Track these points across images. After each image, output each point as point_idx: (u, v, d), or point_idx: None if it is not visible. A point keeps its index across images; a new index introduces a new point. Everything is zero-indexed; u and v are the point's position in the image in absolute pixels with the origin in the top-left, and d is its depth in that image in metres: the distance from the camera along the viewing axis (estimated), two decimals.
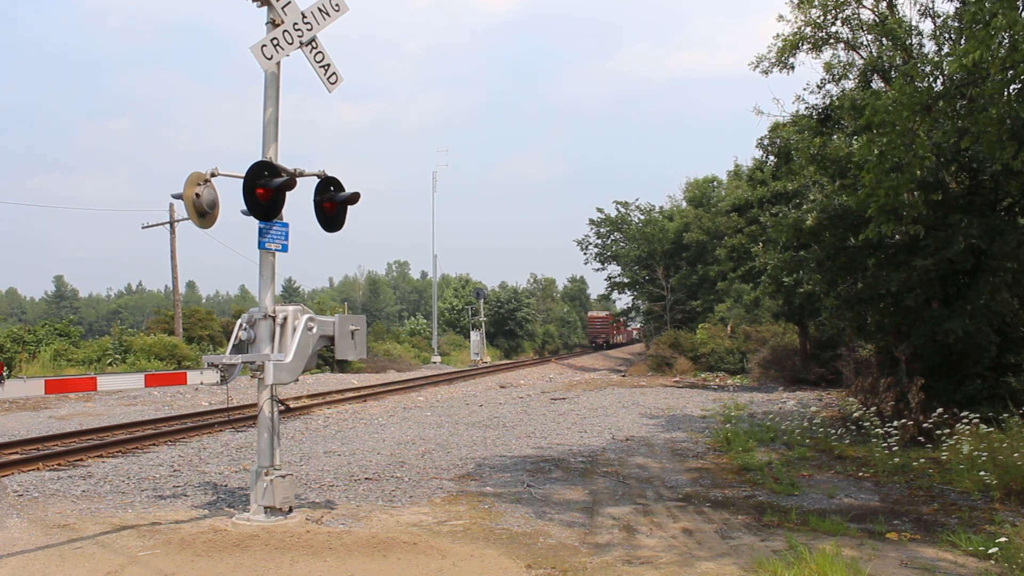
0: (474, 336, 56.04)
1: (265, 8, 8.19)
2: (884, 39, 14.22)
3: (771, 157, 20.25)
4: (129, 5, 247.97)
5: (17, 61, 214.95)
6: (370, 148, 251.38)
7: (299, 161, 8.39)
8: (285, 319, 7.99)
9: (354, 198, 8.59)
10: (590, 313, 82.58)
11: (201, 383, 7.78)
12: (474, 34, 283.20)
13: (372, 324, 70.91)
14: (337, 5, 8.53)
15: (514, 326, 73.57)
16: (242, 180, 7.83)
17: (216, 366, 7.91)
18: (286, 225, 8.22)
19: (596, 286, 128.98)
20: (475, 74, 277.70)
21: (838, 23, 14.59)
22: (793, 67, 15.03)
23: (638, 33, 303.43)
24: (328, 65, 8.53)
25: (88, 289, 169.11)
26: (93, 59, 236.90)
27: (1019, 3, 8.49)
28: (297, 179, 8.20)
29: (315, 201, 8.53)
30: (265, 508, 7.81)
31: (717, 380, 32.02)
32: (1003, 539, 6.47)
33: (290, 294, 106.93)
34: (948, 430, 10.81)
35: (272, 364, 7.63)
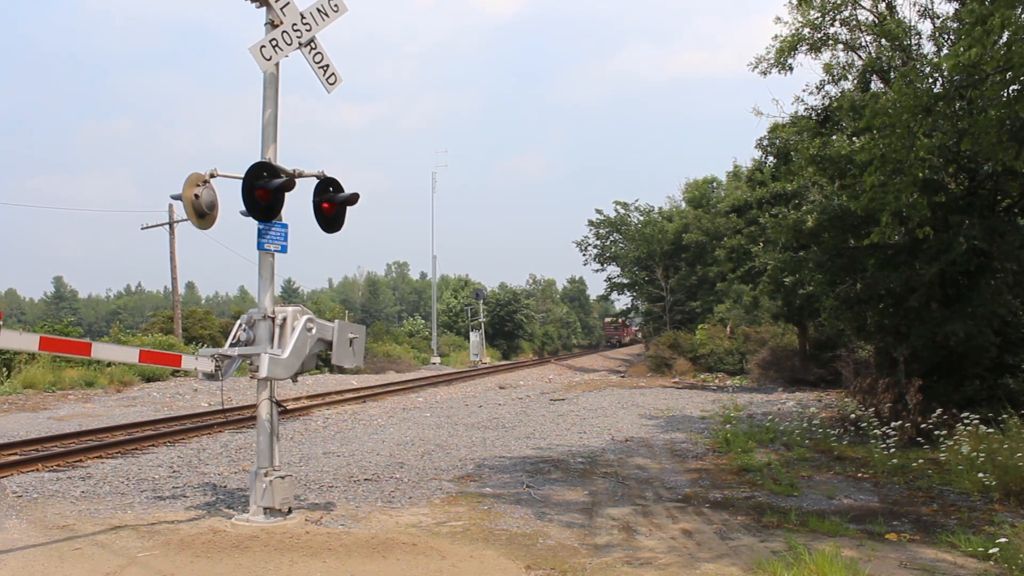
0: (473, 337, 55.99)
1: (264, 9, 8.19)
2: (883, 40, 14.22)
3: (770, 158, 20.24)
4: (130, 6, 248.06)
5: (18, 62, 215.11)
6: (371, 149, 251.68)
7: (300, 162, 8.41)
8: (284, 320, 7.99)
9: (353, 199, 8.59)
10: (606, 319, 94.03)
11: (196, 368, 7.75)
12: (475, 35, 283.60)
13: (371, 325, 70.95)
14: (336, 6, 8.53)
15: (513, 327, 73.57)
16: (241, 181, 7.84)
17: (213, 357, 7.89)
18: (285, 226, 8.23)
19: (595, 287, 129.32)
20: (476, 75, 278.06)
21: (836, 24, 14.58)
22: (792, 68, 15.03)
23: (638, 34, 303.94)
24: (327, 66, 8.54)
25: (87, 290, 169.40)
26: (94, 60, 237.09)
27: (1017, 3, 8.49)
28: (296, 180, 8.21)
29: (314, 202, 8.54)
30: (264, 509, 7.81)
31: (716, 381, 32.01)
32: (1003, 540, 6.47)
33: (289, 295, 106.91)
34: (947, 431, 10.82)
35: (268, 357, 7.61)
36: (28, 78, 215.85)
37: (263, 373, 7.58)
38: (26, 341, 6.51)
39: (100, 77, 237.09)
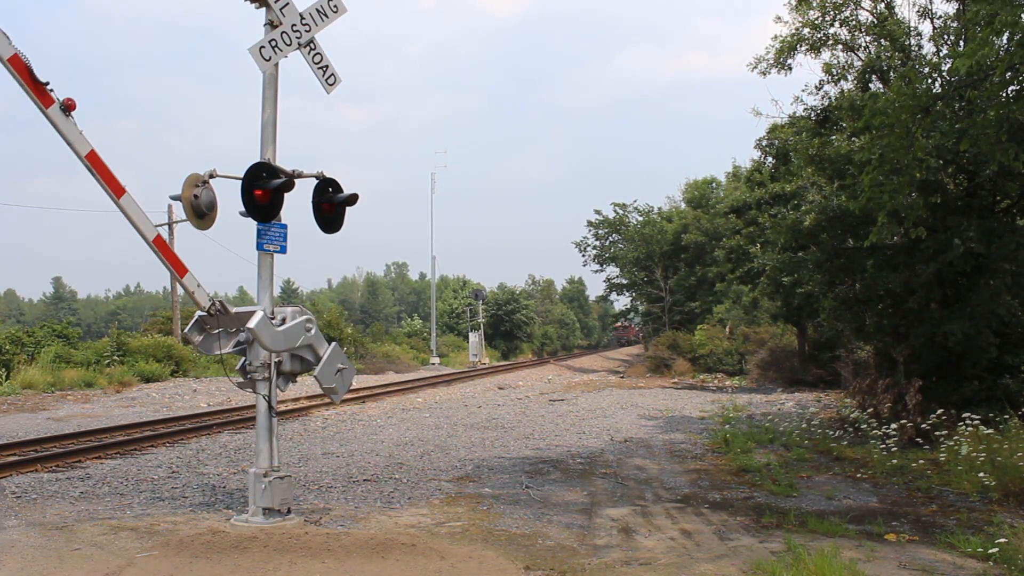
0: (472, 337, 56.01)
1: (263, 9, 8.20)
2: (882, 40, 14.23)
3: (769, 158, 20.27)
4: (132, 8, 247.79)
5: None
6: (372, 149, 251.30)
7: (303, 163, 8.41)
8: (284, 320, 7.99)
9: (352, 199, 8.59)
10: (616, 324, 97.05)
11: (193, 296, 7.76)
12: (477, 37, 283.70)
13: (371, 325, 70.93)
14: (335, 6, 8.54)
15: (512, 327, 73.55)
16: (240, 181, 7.84)
17: (212, 299, 7.85)
18: (284, 226, 8.23)
19: (595, 287, 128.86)
20: (477, 76, 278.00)
21: (836, 24, 14.61)
22: (791, 68, 15.06)
23: (639, 36, 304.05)
24: (326, 66, 8.54)
25: (86, 290, 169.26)
26: (97, 62, 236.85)
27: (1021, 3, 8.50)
28: (295, 180, 8.20)
29: (313, 202, 8.53)
30: (263, 509, 7.80)
31: (716, 381, 32.02)
32: (1002, 540, 6.47)
33: (288, 295, 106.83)
34: (946, 431, 10.82)
35: (262, 313, 7.61)
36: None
37: (252, 323, 7.46)
38: (81, 143, 6.93)
39: (102, 79, 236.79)
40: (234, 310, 7.97)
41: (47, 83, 6.69)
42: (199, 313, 8.11)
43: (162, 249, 7.51)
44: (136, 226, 7.35)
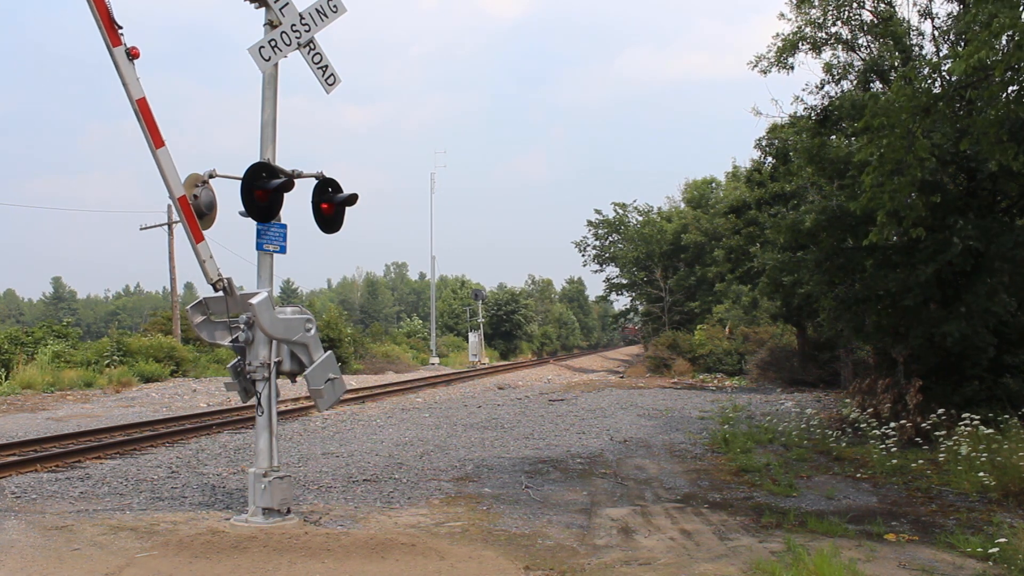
0: (472, 337, 56.01)
1: (263, 9, 8.20)
2: (883, 40, 14.24)
3: (769, 158, 20.30)
4: (133, 8, 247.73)
5: (23, 63, 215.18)
6: (373, 150, 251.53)
7: (303, 163, 8.42)
8: None
9: (352, 199, 8.58)
10: (615, 324, 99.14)
11: (204, 266, 7.73)
12: (479, 37, 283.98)
13: (370, 326, 70.90)
14: (335, 6, 8.54)
15: (512, 327, 73.58)
16: (240, 182, 7.84)
17: (220, 275, 7.84)
18: (284, 226, 8.22)
19: (594, 287, 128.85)
20: (479, 77, 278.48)
21: (838, 24, 14.62)
22: (792, 67, 15.06)
23: (640, 36, 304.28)
24: (326, 67, 8.54)
25: (86, 290, 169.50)
26: (99, 61, 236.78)
27: (1020, 4, 8.50)
28: (295, 180, 8.20)
29: (313, 202, 8.53)
30: (263, 509, 7.80)
31: (715, 381, 32.01)
32: (1002, 540, 6.47)
33: (288, 295, 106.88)
34: (946, 431, 10.82)
35: (266, 294, 7.60)
36: (33, 80, 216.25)
37: (256, 300, 7.47)
38: (136, 87, 7.31)
39: (103, 78, 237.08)
40: (238, 293, 7.95)
41: (121, 27, 7.17)
42: (203, 296, 8.13)
43: (185, 210, 7.64)
44: (166, 180, 7.52)
